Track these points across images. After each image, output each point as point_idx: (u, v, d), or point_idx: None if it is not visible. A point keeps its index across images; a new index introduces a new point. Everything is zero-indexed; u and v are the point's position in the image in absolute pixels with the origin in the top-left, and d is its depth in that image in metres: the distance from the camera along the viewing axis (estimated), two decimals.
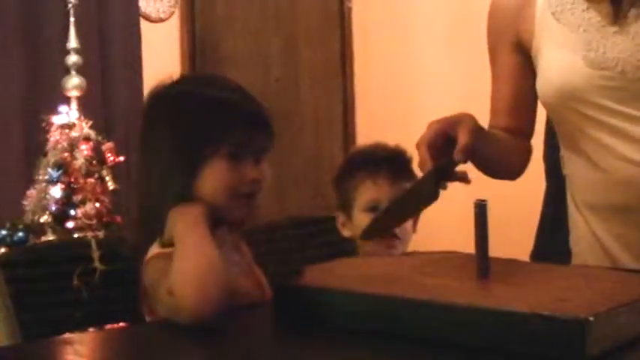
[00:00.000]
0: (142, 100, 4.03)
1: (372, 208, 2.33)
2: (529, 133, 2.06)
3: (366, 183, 2.37)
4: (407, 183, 2.37)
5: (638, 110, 1.84)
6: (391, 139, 2.43)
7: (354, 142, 5.12)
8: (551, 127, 2.13)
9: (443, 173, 1.67)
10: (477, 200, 1.45)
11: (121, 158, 3.31)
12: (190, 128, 1.79)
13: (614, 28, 1.87)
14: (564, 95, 1.89)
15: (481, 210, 1.45)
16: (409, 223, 2.39)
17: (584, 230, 1.98)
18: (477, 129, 1.72)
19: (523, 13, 1.99)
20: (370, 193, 2.36)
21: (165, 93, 1.88)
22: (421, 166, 1.67)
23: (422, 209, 1.74)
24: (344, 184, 2.43)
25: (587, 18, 1.89)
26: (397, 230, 2.31)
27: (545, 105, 1.99)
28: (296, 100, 5.06)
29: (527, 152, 2.07)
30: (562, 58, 1.90)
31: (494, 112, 2.06)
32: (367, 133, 4.89)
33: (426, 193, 1.66)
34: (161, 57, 4.36)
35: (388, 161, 2.36)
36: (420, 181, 1.67)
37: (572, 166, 1.99)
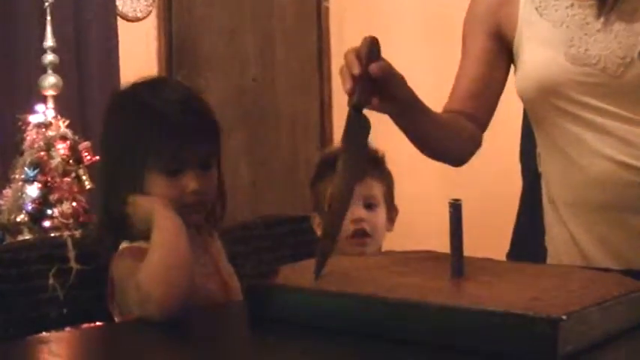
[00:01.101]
0: None
1: None
2: (483, 123, 2.04)
3: None
4: (379, 183, 2.38)
5: (617, 107, 1.86)
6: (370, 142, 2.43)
7: (332, 142, 5.11)
8: (527, 126, 2.13)
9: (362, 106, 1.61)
10: (452, 200, 1.46)
11: (98, 157, 3.30)
12: (124, 140, 1.84)
13: (597, 26, 1.89)
14: (544, 90, 1.91)
15: (456, 209, 1.45)
16: (381, 221, 2.40)
17: (559, 228, 1.99)
18: (402, 76, 1.70)
19: (506, 4, 2.00)
20: None
21: (115, 100, 1.95)
22: (348, 68, 1.61)
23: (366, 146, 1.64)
24: (318, 185, 2.45)
25: (570, 14, 1.91)
26: (367, 228, 2.33)
27: (524, 100, 2.00)
28: (272, 100, 5.05)
29: (474, 140, 2.03)
30: (544, 53, 1.92)
31: (453, 94, 2.04)
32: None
33: (357, 130, 1.58)
34: (138, 56, 4.36)
35: None
36: (347, 127, 1.59)
37: (549, 164, 2.00)
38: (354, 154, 1.57)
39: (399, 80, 1.70)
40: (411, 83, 1.73)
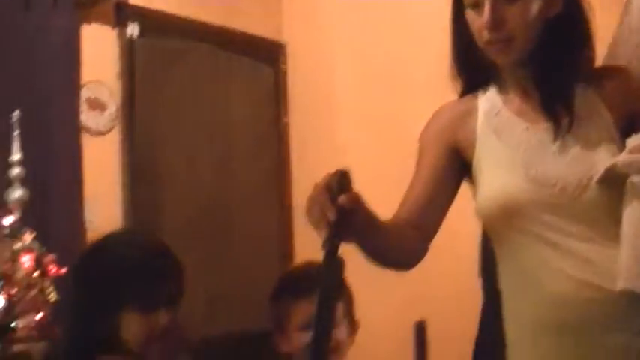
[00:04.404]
0: (83, 212, 4.08)
1: (307, 326, 2.40)
2: (429, 233, 2.06)
3: (299, 302, 2.44)
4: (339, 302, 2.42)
5: (576, 226, 1.91)
6: None
7: (291, 258, 5.12)
8: (485, 243, 2.17)
9: (337, 242, 1.67)
10: (417, 321, 1.49)
11: (63, 270, 3.31)
12: (99, 287, 2.08)
13: (554, 148, 1.95)
14: (506, 211, 1.95)
15: (420, 330, 1.49)
16: (343, 337, 2.44)
17: (520, 344, 2.02)
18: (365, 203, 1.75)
19: (464, 123, 2.07)
20: (304, 311, 2.42)
21: (92, 249, 2.22)
22: (322, 210, 1.65)
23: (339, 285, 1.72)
24: (278, 304, 2.50)
25: (526, 138, 1.98)
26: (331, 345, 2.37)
27: (485, 220, 2.04)
28: (231, 215, 5.07)
29: (420, 249, 2.05)
30: (504, 175, 1.97)
31: (403, 203, 2.07)
32: (306, 248, 4.92)
33: (333, 271, 1.65)
34: (101, 170, 4.41)
35: (315, 279, 2.41)
36: (324, 268, 1.66)
37: (511, 282, 2.04)
38: (329, 296, 1.64)
39: (364, 207, 1.76)
40: (370, 194, 1.77)
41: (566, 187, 1.92)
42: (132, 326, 2.02)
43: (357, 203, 1.70)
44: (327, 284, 1.63)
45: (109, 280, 2.06)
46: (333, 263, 1.63)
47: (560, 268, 1.92)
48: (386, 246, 1.94)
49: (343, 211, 1.65)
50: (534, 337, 1.98)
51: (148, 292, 2.05)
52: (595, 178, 1.91)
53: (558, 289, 1.92)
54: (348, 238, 1.74)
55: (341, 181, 1.68)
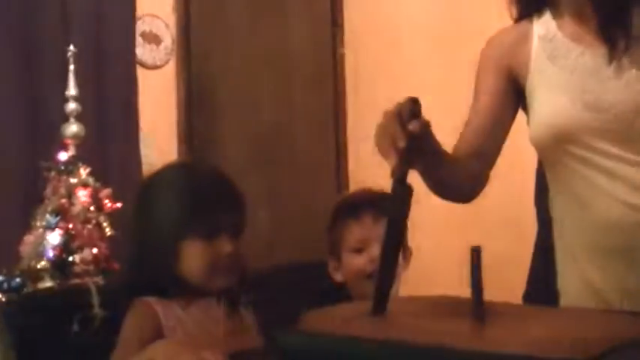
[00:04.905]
0: (139, 146, 4.09)
1: (359, 249, 2.40)
2: (491, 161, 2.05)
3: (351, 225, 2.43)
4: None
5: (629, 152, 1.88)
6: (384, 185, 2.46)
7: (348, 186, 5.12)
8: (541, 171, 2.15)
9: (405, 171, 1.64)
10: (473, 247, 1.48)
11: (119, 205, 3.33)
12: (161, 215, 2.03)
13: (609, 73, 1.91)
14: (558, 137, 1.93)
15: (476, 256, 1.48)
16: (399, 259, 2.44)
17: (572, 271, 2.00)
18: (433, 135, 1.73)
19: (519, 49, 2.03)
20: (355, 233, 2.43)
21: (151, 179, 2.16)
22: (391, 139, 1.62)
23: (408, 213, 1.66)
24: (332, 231, 2.49)
25: (582, 62, 1.94)
26: None
27: (537, 146, 2.01)
28: (289, 146, 5.07)
29: (482, 179, 2.04)
30: (557, 100, 1.94)
31: (464, 132, 2.06)
32: (360, 178, 4.91)
33: (401, 200, 1.63)
34: (157, 104, 4.42)
35: (370, 203, 2.43)
36: (393, 195, 1.63)
37: (562, 209, 2.02)
38: (398, 223, 1.63)
39: (433, 135, 1.73)
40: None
41: (620, 113, 1.89)
42: (194, 254, 1.97)
43: (427, 130, 1.67)
44: (396, 211, 1.62)
45: (169, 209, 2.03)
46: (402, 190, 1.62)
47: (610, 193, 1.90)
48: (450, 175, 1.93)
49: (414, 137, 1.62)
50: (583, 262, 1.97)
51: (209, 218, 2.00)
52: None
53: (608, 214, 1.90)
54: (416, 166, 1.73)
55: (412, 108, 1.65)
